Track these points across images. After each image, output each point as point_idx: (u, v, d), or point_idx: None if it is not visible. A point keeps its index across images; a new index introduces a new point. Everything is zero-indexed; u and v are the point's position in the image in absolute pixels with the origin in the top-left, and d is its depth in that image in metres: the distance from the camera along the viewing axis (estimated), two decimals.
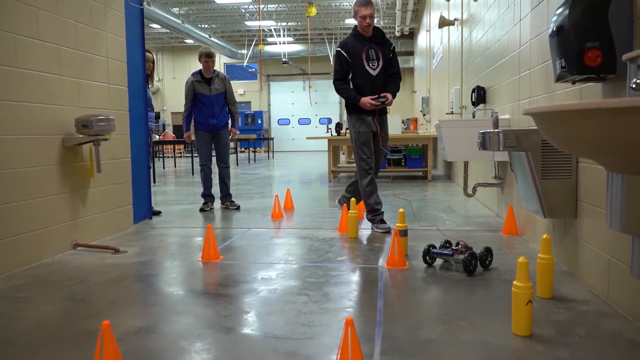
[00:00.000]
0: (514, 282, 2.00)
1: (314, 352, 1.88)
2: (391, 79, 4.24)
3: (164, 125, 21.25)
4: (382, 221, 4.15)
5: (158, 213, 5.18)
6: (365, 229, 4.21)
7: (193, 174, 10.31)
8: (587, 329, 2.05)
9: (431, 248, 3.03)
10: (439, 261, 3.11)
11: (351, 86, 4.20)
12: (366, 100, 4.08)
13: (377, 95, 4.09)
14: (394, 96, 4.19)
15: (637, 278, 1.46)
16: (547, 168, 2.81)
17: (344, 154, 12.49)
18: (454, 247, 2.97)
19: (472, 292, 2.55)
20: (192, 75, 5.44)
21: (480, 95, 5.15)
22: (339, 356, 1.58)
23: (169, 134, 17.15)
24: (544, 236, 2.41)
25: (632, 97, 1.32)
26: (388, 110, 4.42)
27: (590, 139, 1.30)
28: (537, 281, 2.44)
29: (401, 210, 3.35)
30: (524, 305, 1.97)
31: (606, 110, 1.19)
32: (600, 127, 1.24)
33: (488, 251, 2.95)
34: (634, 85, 1.71)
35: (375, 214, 4.17)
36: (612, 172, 1.46)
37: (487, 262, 2.95)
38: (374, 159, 4.21)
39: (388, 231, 4.05)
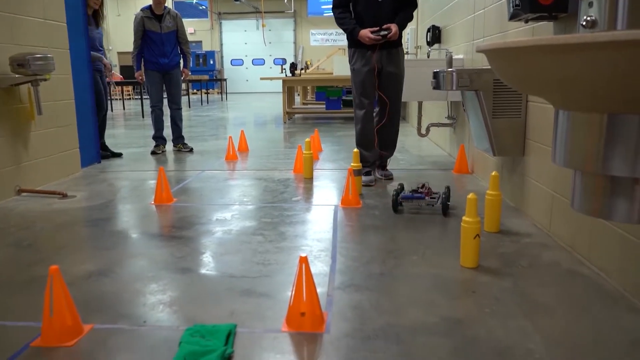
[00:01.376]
0: (463, 218, 2.07)
1: (270, 289, 1.91)
2: (402, 6, 3.55)
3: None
4: (368, 173, 3.70)
5: (117, 155, 5.03)
6: (320, 170, 4.23)
7: (143, 117, 9.96)
8: (529, 259, 2.17)
9: (400, 194, 2.92)
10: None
11: (353, 15, 3.58)
12: (365, 33, 3.46)
13: (378, 28, 3.45)
14: (402, 28, 3.54)
15: (577, 211, 1.52)
16: (498, 107, 2.86)
17: (299, 95, 12.32)
18: (421, 190, 2.95)
19: (423, 228, 2.63)
20: (141, 10, 5.13)
21: (435, 35, 5.11)
22: (293, 292, 1.61)
23: (117, 75, 16.35)
24: (493, 173, 2.49)
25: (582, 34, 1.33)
26: (402, 43, 3.69)
27: (540, 76, 1.31)
28: (485, 216, 2.53)
29: (356, 150, 3.36)
30: (471, 239, 2.05)
31: (556, 46, 1.19)
32: (549, 64, 1.25)
33: (448, 190, 2.97)
34: (584, 23, 1.73)
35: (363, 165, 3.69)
36: (560, 109, 1.49)
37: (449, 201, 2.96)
38: (383, 99, 3.66)
39: (369, 184, 3.62)
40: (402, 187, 3.02)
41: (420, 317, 1.68)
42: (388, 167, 3.96)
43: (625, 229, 1.83)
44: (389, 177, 3.81)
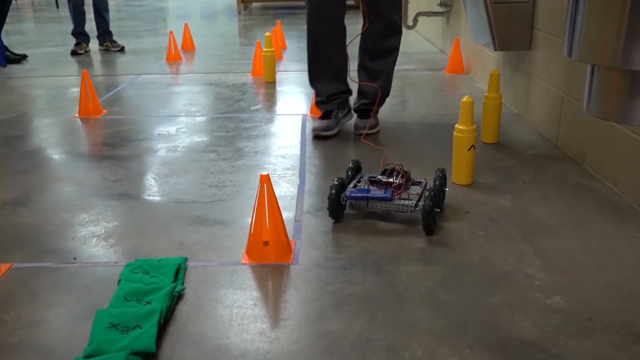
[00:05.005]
0: (456, 126, 2.08)
1: (226, 216, 1.92)
2: None
3: None
4: (327, 114, 2.75)
5: (22, 58, 4.83)
6: (284, 72, 4.15)
7: (58, 7, 9.48)
8: (532, 174, 2.22)
9: (345, 191, 1.87)
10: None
11: None
12: None
13: None
14: None
15: (590, 114, 1.54)
16: None
17: None
18: (386, 180, 1.88)
19: (408, 139, 2.65)
20: None
21: None
22: (254, 218, 1.62)
23: None
24: (492, 71, 2.48)
25: None
26: None
27: None
28: (482, 124, 2.56)
29: None
30: (465, 151, 2.08)
31: None
32: None
33: (443, 177, 1.93)
34: None
35: (318, 101, 2.81)
36: None
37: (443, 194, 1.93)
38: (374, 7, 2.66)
39: (321, 134, 2.69)
40: (351, 175, 2.00)
41: (404, 243, 1.73)
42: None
43: None
44: (372, 128, 2.76)
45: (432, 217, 1.73)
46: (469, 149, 2.08)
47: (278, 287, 1.53)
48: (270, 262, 1.63)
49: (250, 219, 1.66)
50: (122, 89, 3.77)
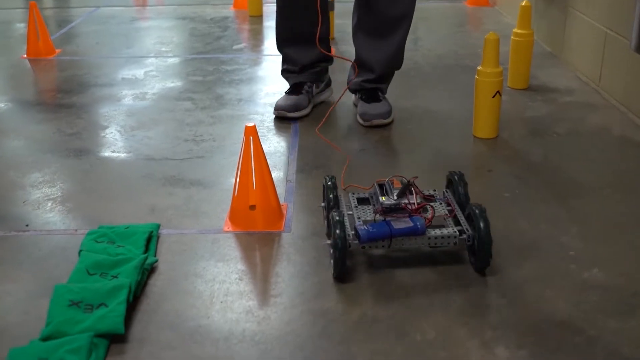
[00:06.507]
0: (478, 68, 2.07)
1: (205, 175, 1.92)
2: None
3: None
4: (296, 88, 2.39)
5: None
6: (272, 3, 4.09)
7: None
8: (568, 125, 2.22)
9: (356, 231, 1.39)
10: None
11: None
12: None
13: None
14: None
15: (638, 52, 1.53)
16: None
17: None
18: (402, 201, 1.47)
19: (420, 84, 2.63)
20: None
21: None
22: (238, 178, 1.62)
23: None
24: (523, 3, 2.45)
25: None
26: None
27: None
28: (510, 66, 2.54)
29: None
30: (489, 98, 2.07)
31: None
32: None
33: (460, 179, 1.60)
34: None
35: (285, 70, 2.47)
36: None
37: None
38: None
39: (287, 116, 2.32)
40: (333, 198, 1.56)
41: None
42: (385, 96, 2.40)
43: None
44: (387, 117, 2.27)
45: (488, 250, 1.38)
46: (494, 96, 2.07)
47: (267, 258, 1.54)
48: (258, 229, 1.63)
49: (233, 179, 1.66)
50: (78, 24, 3.74)
